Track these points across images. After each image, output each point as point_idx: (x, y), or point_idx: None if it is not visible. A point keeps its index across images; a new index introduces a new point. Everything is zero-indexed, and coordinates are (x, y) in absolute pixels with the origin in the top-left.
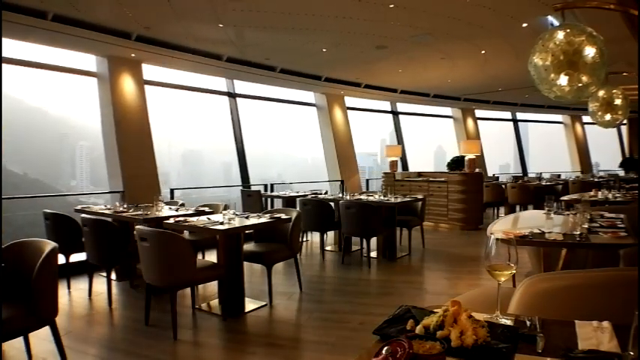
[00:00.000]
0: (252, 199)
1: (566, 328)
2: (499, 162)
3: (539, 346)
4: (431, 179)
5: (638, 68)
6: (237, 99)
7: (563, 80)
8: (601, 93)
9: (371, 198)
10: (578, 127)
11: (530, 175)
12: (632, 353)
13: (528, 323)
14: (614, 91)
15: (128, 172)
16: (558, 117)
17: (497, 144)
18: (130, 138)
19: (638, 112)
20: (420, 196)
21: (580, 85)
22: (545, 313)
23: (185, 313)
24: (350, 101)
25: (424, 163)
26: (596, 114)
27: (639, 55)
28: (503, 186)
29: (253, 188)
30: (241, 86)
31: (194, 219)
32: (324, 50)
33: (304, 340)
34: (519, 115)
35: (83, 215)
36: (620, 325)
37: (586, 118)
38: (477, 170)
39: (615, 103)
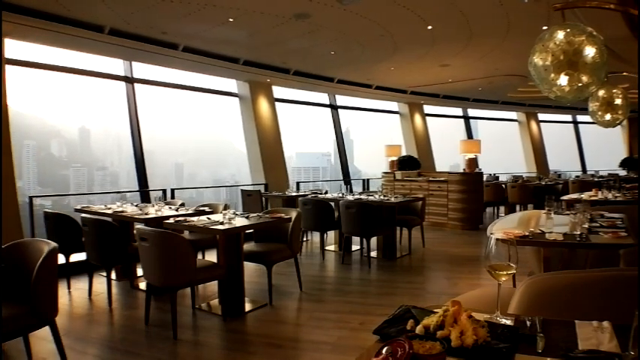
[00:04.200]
0: (252, 199)
1: (566, 328)
2: (449, 162)
3: (539, 346)
4: (431, 179)
5: (638, 68)
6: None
7: (563, 80)
8: (601, 93)
9: (371, 198)
10: (534, 124)
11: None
12: (632, 353)
13: (528, 323)
14: (614, 90)
15: None
16: (513, 114)
17: (447, 142)
18: None
19: (638, 112)
20: (420, 196)
21: (580, 85)
22: (546, 313)
23: (185, 313)
24: (281, 92)
25: (376, 163)
26: (596, 114)
27: (639, 55)
28: (503, 186)
29: (151, 193)
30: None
31: (194, 219)
32: (230, 20)
33: (304, 340)
34: (471, 112)
35: (83, 215)
36: (620, 325)
37: (542, 116)
38: (478, 170)
39: (615, 102)
